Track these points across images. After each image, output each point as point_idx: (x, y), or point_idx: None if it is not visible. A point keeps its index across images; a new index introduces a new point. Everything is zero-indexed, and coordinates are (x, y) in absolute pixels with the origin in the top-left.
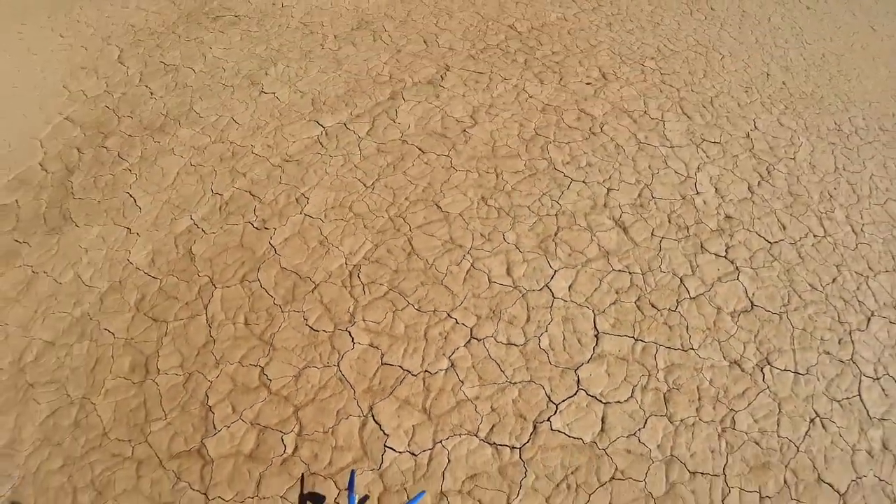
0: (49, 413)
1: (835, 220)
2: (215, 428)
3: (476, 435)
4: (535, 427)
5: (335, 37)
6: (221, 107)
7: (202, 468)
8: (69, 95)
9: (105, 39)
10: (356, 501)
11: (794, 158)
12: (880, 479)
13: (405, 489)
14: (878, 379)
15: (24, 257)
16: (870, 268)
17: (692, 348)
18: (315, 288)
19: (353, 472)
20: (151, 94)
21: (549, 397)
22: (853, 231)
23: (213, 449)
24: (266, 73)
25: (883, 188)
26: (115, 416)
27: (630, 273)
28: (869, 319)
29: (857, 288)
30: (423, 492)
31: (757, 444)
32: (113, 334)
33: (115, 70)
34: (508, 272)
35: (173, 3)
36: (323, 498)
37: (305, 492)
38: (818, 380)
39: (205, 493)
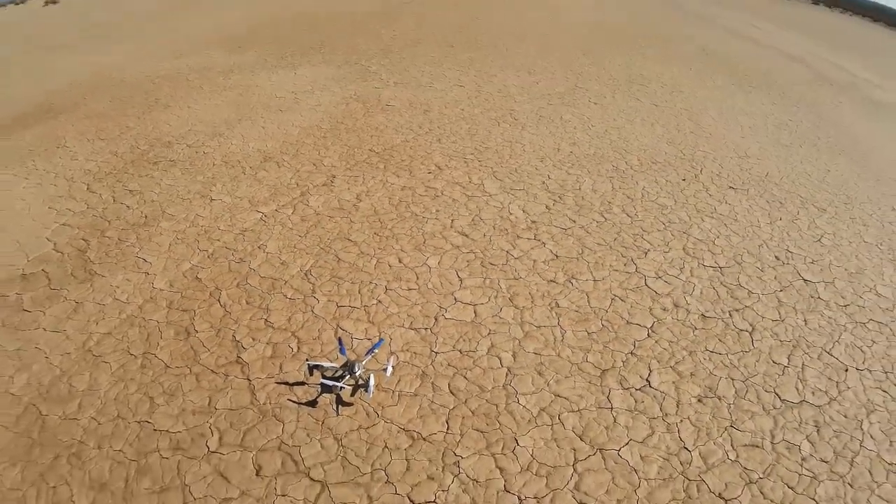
0: (119, 366)
1: (613, 213)
2: (245, 348)
3: (403, 326)
4: (436, 319)
5: (251, 167)
6: (186, 209)
7: (241, 368)
8: (57, 213)
9: (69, 180)
10: (346, 351)
11: (579, 189)
12: (678, 319)
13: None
14: (659, 277)
15: (65, 296)
16: (644, 230)
17: (520, 277)
18: (286, 282)
19: (339, 339)
20: (128, 207)
21: (440, 306)
22: (628, 216)
23: (246, 356)
24: (210, 190)
25: (654, 193)
26: (172, 357)
27: (473, 252)
28: (647, 253)
29: (634, 241)
30: (382, 339)
31: (577, 311)
32: (157, 321)
33: (89, 196)
34: (400, 261)
35: (115, 155)
36: (319, 365)
37: (312, 364)
38: (611, 283)
39: (247, 379)
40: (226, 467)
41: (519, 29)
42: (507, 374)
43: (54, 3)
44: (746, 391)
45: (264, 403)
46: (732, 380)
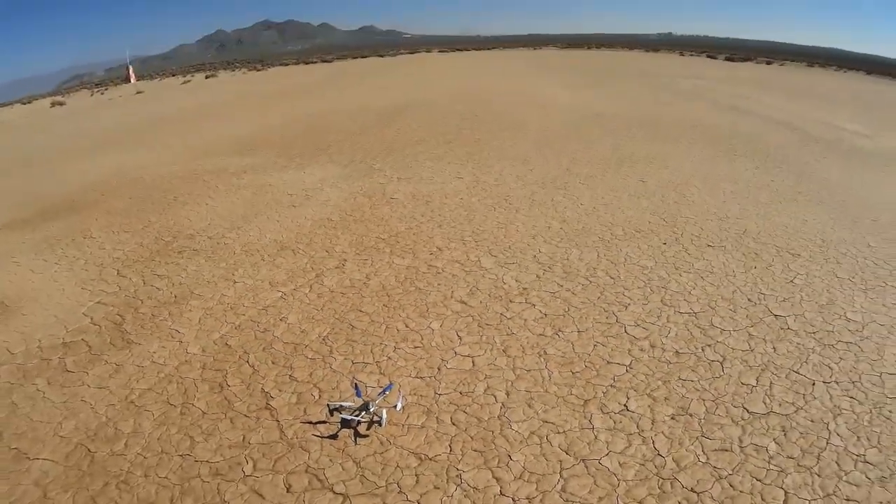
0: (160, 413)
1: (597, 276)
2: (272, 397)
3: (410, 376)
4: (439, 369)
5: (269, 255)
6: (212, 290)
7: (270, 412)
8: (91, 293)
9: (99, 266)
10: (361, 394)
11: (567, 259)
12: (653, 357)
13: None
14: (638, 325)
15: (105, 359)
16: (626, 288)
17: (513, 333)
18: (307, 346)
19: (356, 385)
20: (158, 288)
21: (442, 359)
22: (611, 278)
23: (275, 403)
24: (233, 274)
25: (636, 257)
26: (208, 406)
27: (471, 316)
28: (627, 307)
29: (616, 298)
30: (391, 384)
31: (563, 356)
32: (192, 378)
33: (120, 280)
34: (406, 325)
35: (141, 245)
36: (339, 407)
37: (332, 408)
38: (595, 332)
39: (276, 420)
40: (260, 486)
41: (515, 123)
42: (501, 408)
43: (61, 104)
44: (716, 408)
45: (292, 438)
46: (703, 400)
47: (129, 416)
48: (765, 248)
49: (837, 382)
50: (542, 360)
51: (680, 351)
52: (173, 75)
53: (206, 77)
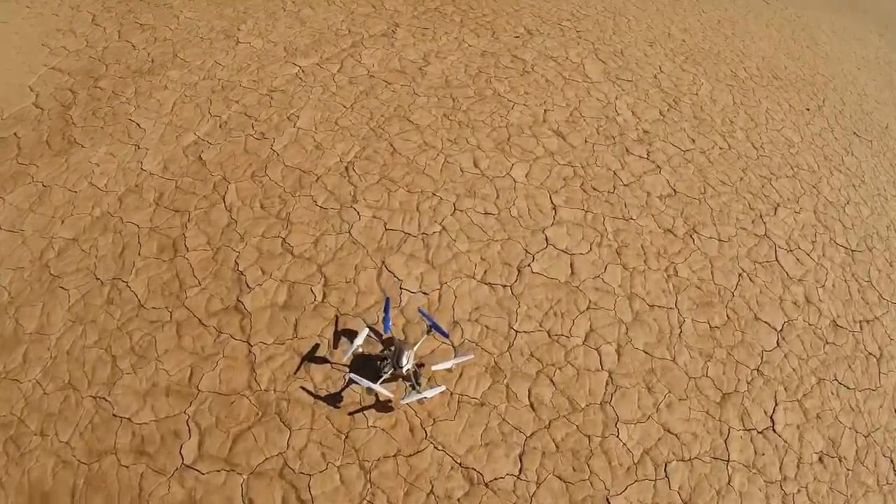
0: (79, 297)
1: (736, 138)
2: (249, 287)
3: (473, 277)
4: (519, 271)
5: (293, 2)
6: (203, 54)
7: (241, 321)
8: (51, 51)
9: (74, 8)
10: (390, 324)
11: (696, 94)
12: (809, 324)
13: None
14: (791, 251)
15: (32, 175)
16: (772, 173)
17: (632, 218)
18: (318, 178)
19: (388, 300)
20: (133, 46)
21: (525, 249)
22: (753, 147)
23: (249, 304)
24: (238, 29)
25: (778, 119)
26: (149, 289)
27: (572, 167)
28: (776, 208)
29: (762, 186)
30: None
31: (698, 287)
32: (137, 225)
33: (92, 30)
34: (475, 164)
35: None
36: (356, 333)
37: (340, 329)
38: (739, 246)
39: (247, 341)
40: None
41: None
42: (607, 383)
43: None
44: (867, 451)
45: (266, 390)
46: (856, 432)
47: (37, 298)
48: None
49: None
50: (672, 286)
51: (837, 321)
52: None
53: None
